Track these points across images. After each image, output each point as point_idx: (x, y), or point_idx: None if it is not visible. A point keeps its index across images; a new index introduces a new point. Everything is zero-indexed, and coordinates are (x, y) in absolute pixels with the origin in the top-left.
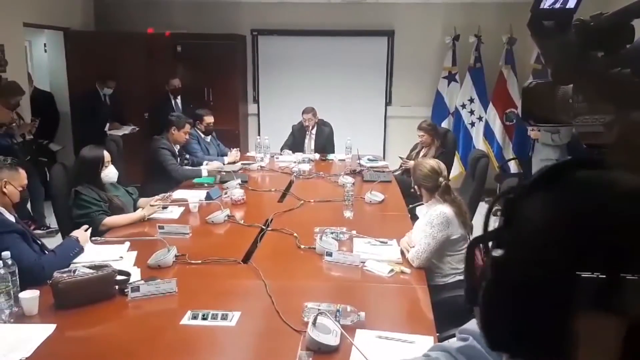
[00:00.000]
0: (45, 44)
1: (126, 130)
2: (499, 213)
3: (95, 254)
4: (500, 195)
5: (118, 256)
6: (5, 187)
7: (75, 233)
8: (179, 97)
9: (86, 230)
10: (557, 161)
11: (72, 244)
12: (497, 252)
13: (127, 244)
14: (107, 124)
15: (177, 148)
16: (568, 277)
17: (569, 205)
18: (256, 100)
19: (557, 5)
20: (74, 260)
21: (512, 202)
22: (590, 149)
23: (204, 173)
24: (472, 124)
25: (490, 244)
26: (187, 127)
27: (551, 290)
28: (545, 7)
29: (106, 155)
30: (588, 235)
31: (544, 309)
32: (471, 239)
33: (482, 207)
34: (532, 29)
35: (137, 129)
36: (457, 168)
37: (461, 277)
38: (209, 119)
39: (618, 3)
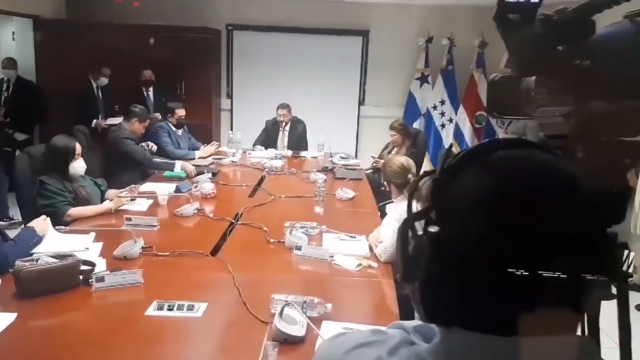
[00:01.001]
0: (13, 32)
1: (117, 120)
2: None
3: (60, 243)
4: (423, 175)
5: (83, 247)
6: None
7: (33, 223)
8: (151, 89)
9: (45, 220)
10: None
11: (29, 234)
12: (434, 228)
13: (93, 234)
14: (100, 116)
15: None
16: (497, 249)
17: (492, 181)
18: (230, 96)
19: None
20: (37, 250)
21: (439, 181)
22: (549, 139)
23: (177, 168)
24: (443, 126)
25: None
26: (147, 122)
27: (484, 260)
28: (511, 0)
29: (78, 147)
30: (509, 211)
31: (483, 280)
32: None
33: None
34: (498, 21)
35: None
36: (426, 167)
37: None
38: (181, 112)
39: None
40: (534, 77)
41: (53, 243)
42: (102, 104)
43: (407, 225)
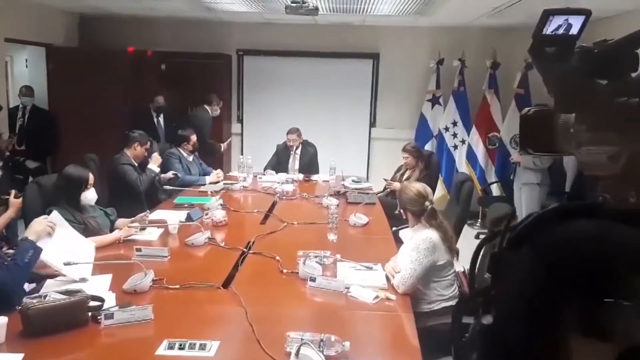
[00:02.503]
0: (26, 60)
1: None
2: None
3: (64, 249)
4: (482, 244)
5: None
6: None
7: (29, 229)
8: (161, 116)
9: (45, 218)
10: (539, 211)
11: (24, 248)
12: (487, 320)
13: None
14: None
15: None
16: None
17: (551, 259)
18: (240, 120)
19: (560, 32)
20: (50, 271)
21: (496, 257)
22: (591, 180)
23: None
24: (455, 147)
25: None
26: (148, 144)
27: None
28: (547, 33)
29: (90, 177)
30: (572, 295)
31: None
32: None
33: (467, 231)
34: (534, 55)
35: None
36: (440, 191)
37: (447, 304)
38: (194, 138)
39: (621, 31)
40: (573, 114)
41: (59, 249)
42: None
43: (460, 308)
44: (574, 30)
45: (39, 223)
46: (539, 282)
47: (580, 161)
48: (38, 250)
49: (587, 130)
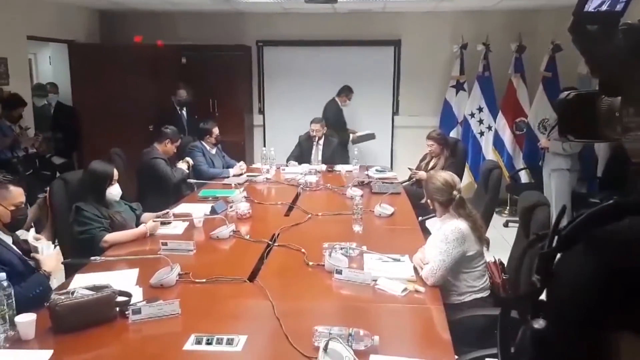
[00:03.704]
0: (50, 57)
1: None
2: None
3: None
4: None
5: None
6: None
7: (44, 265)
8: (184, 109)
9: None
10: (596, 206)
11: (36, 281)
12: (539, 324)
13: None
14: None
15: None
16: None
17: (611, 260)
18: (262, 112)
19: (604, 8)
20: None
21: (547, 257)
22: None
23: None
24: (482, 134)
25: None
26: (179, 142)
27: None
28: (589, 10)
29: (115, 172)
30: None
31: None
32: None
33: (495, 219)
34: (575, 34)
35: None
36: (466, 178)
37: (478, 295)
38: (217, 131)
39: None
40: (618, 97)
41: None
42: (186, 122)
43: (506, 313)
44: (619, 7)
45: (51, 259)
46: (597, 284)
47: (628, 148)
48: (47, 289)
49: (635, 114)
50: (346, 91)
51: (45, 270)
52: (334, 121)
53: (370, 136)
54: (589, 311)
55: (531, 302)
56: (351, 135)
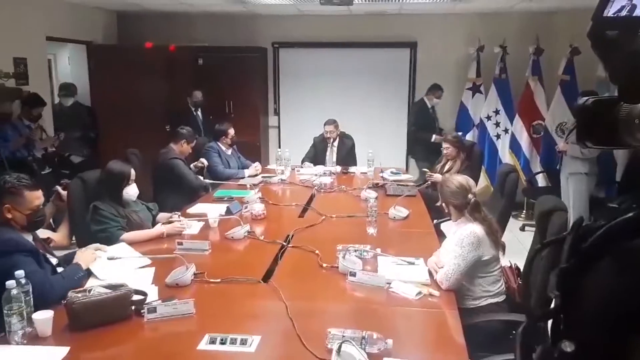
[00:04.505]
0: (69, 57)
1: None
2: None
3: (112, 270)
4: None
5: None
6: (9, 213)
7: (78, 256)
8: (199, 110)
9: (92, 253)
10: (612, 222)
11: (74, 270)
12: (569, 347)
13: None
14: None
15: None
16: None
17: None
18: (277, 113)
19: (623, 13)
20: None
21: (567, 273)
22: None
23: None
24: (498, 136)
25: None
26: (194, 143)
27: None
28: (609, 15)
29: (132, 172)
30: None
31: None
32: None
33: (512, 223)
34: (594, 39)
35: None
36: (482, 182)
37: (493, 300)
38: (232, 132)
39: None
40: (638, 104)
41: (106, 270)
42: (201, 122)
43: (527, 334)
44: (638, 12)
45: (85, 256)
46: (632, 301)
47: None
48: (84, 275)
49: None
50: (434, 89)
51: (77, 262)
52: (416, 121)
53: None
54: (621, 328)
55: (553, 320)
56: (434, 137)
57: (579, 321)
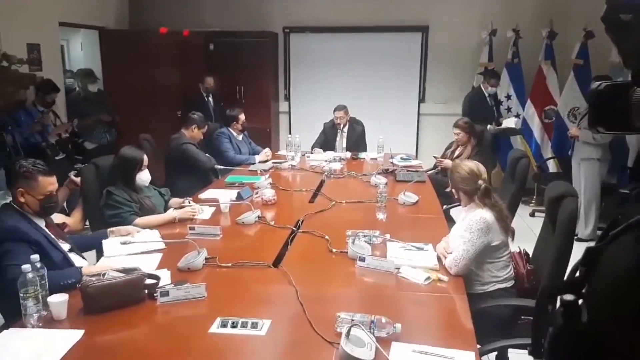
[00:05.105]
0: (81, 43)
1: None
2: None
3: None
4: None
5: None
6: (22, 197)
7: (85, 269)
8: (210, 96)
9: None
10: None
11: (70, 274)
12: (568, 297)
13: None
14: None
15: None
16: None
17: None
18: (287, 98)
19: None
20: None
21: (593, 251)
22: None
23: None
24: None
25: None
26: (205, 128)
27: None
28: None
29: (145, 158)
30: None
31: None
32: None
33: (522, 209)
34: (608, 23)
35: None
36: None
37: (502, 286)
38: (243, 117)
39: None
40: None
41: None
42: (212, 108)
43: (543, 304)
44: None
45: (97, 267)
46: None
47: None
48: (75, 284)
49: None
50: (487, 76)
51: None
52: (470, 110)
53: (513, 131)
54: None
55: (573, 290)
56: (489, 127)
57: (599, 287)
